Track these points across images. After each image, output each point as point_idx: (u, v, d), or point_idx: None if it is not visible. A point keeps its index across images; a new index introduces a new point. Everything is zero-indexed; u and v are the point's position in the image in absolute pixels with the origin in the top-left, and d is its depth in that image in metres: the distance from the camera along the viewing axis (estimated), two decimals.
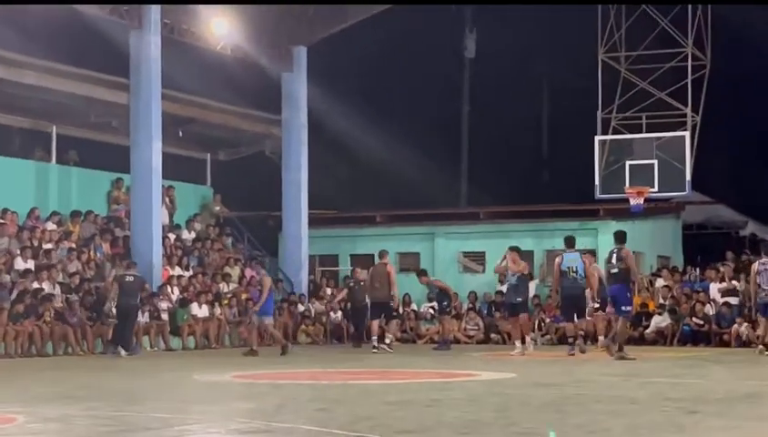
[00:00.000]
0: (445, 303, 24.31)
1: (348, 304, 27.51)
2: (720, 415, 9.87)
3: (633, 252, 29.49)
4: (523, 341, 20.84)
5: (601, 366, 17.63)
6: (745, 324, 23.76)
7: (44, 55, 24.53)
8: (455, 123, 41.32)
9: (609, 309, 20.23)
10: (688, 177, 27.09)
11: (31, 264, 23.02)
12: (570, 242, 20.40)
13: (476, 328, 27.26)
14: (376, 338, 22.42)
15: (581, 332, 20.77)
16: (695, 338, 24.30)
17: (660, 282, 26.82)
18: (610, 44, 28.62)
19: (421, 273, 24.98)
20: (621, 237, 19.46)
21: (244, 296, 26.71)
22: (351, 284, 26.76)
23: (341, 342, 27.58)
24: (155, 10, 24.86)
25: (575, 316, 20.30)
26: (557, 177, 39.10)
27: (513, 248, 21.03)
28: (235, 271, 27.92)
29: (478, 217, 31.15)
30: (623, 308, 18.90)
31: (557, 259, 20.30)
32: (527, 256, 29.12)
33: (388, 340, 22.59)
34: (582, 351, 20.03)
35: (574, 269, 19.80)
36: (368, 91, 36.02)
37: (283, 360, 19.99)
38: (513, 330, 21.47)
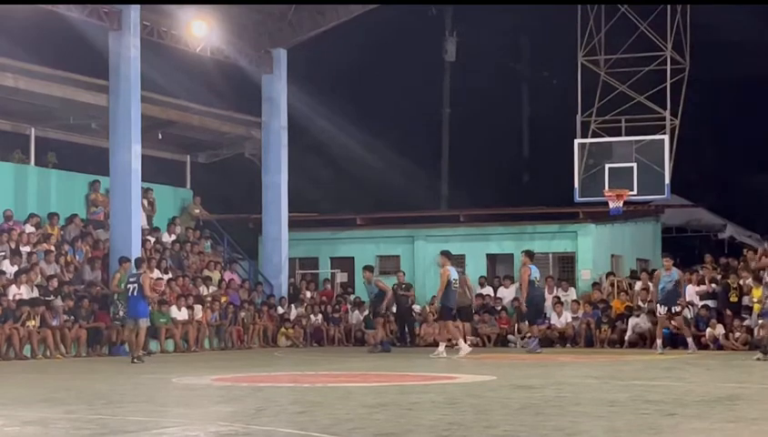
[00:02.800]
0: (381, 307, 24.41)
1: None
2: (698, 417, 9.90)
3: (612, 255, 29.98)
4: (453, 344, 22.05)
5: (580, 369, 17.68)
6: (719, 326, 23.87)
7: (23, 56, 24.39)
8: (435, 126, 41.38)
9: None
10: (667, 180, 27.16)
11: (8, 266, 22.90)
12: (532, 255, 23.07)
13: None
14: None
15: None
16: (674, 341, 24.34)
17: (639, 285, 26.90)
18: (589, 47, 28.67)
19: (367, 268, 24.97)
20: None
21: (224, 299, 26.67)
22: (396, 288, 26.57)
23: (321, 345, 27.57)
24: (134, 12, 24.76)
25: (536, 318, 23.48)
26: (537, 179, 39.23)
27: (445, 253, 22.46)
28: (215, 274, 27.87)
29: (458, 219, 31.17)
30: None
31: (526, 270, 22.47)
32: (508, 258, 29.41)
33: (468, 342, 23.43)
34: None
35: (538, 279, 23.07)
36: (349, 94, 36.04)
37: (263, 364, 19.95)
38: (456, 332, 22.27)
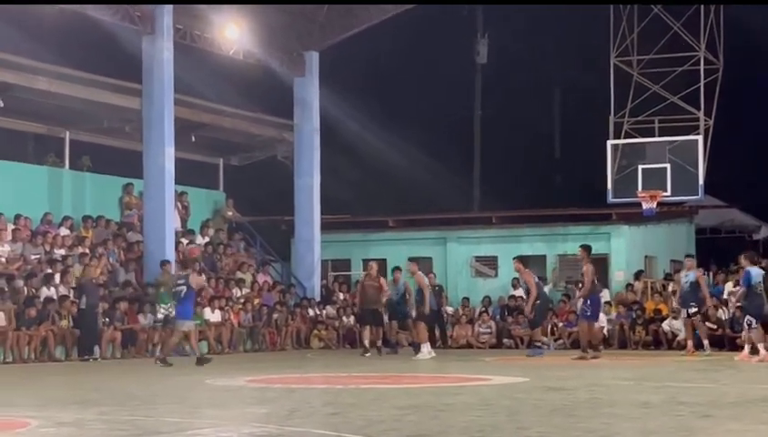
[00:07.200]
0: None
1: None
2: (733, 419, 9.84)
3: (646, 257, 29.79)
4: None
5: (613, 370, 17.61)
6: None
7: (57, 60, 24.57)
8: (467, 127, 41.32)
9: None
10: (701, 181, 26.99)
11: (42, 269, 23.06)
12: (527, 261, 23.41)
13: (488, 332, 27.23)
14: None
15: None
16: (718, 342, 24.02)
17: (672, 286, 26.70)
18: (622, 47, 28.55)
19: (398, 269, 24.58)
20: None
21: (256, 301, 26.74)
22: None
23: (353, 347, 27.57)
24: (167, 15, 24.93)
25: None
26: (569, 181, 39.06)
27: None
28: (247, 276, 27.95)
29: (490, 221, 31.12)
30: None
31: (529, 274, 22.73)
32: (540, 260, 29.27)
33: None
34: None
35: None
36: (381, 96, 36.05)
37: (296, 365, 19.99)
38: (425, 335, 22.75)
